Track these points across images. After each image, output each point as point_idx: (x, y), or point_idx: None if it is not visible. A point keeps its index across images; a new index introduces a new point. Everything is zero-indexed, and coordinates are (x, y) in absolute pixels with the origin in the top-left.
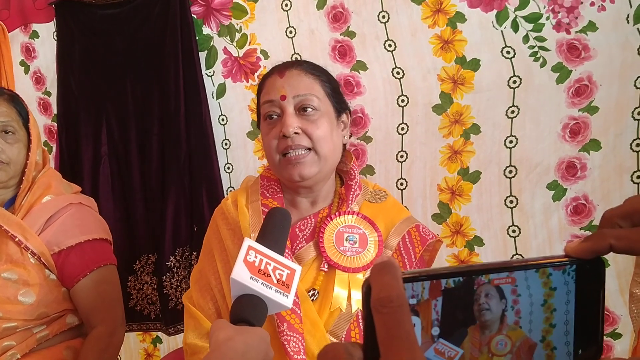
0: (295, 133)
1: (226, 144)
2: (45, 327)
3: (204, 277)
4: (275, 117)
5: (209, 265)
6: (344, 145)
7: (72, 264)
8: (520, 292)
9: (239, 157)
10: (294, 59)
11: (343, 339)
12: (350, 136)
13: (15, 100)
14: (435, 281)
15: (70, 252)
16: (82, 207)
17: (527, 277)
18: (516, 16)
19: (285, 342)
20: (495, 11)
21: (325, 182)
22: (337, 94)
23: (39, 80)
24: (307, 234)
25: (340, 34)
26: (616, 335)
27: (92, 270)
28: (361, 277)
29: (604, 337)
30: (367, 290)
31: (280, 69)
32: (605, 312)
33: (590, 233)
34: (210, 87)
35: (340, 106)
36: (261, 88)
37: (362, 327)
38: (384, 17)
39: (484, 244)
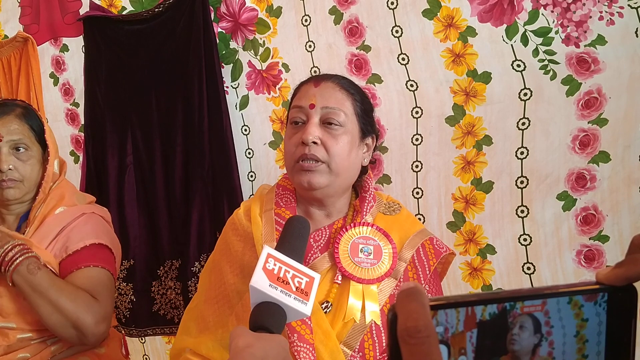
0: (314, 142)
1: (249, 153)
2: (58, 340)
3: (209, 306)
4: (300, 123)
5: (218, 282)
6: (364, 167)
7: (72, 260)
8: (554, 323)
9: (262, 166)
10: (313, 72)
11: (356, 350)
12: (371, 160)
13: (28, 115)
14: (470, 313)
15: (73, 254)
16: (94, 215)
17: (560, 309)
18: (525, 30)
19: (296, 353)
20: (505, 25)
21: (338, 198)
22: (368, 117)
23: (67, 91)
24: (322, 245)
25: (356, 48)
26: None
27: (87, 266)
28: (375, 288)
29: None
30: (393, 318)
31: (317, 79)
32: None
33: (600, 243)
34: (234, 99)
35: (368, 128)
36: (295, 93)
37: (387, 356)
38: (397, 31)
39: (496, 252)
